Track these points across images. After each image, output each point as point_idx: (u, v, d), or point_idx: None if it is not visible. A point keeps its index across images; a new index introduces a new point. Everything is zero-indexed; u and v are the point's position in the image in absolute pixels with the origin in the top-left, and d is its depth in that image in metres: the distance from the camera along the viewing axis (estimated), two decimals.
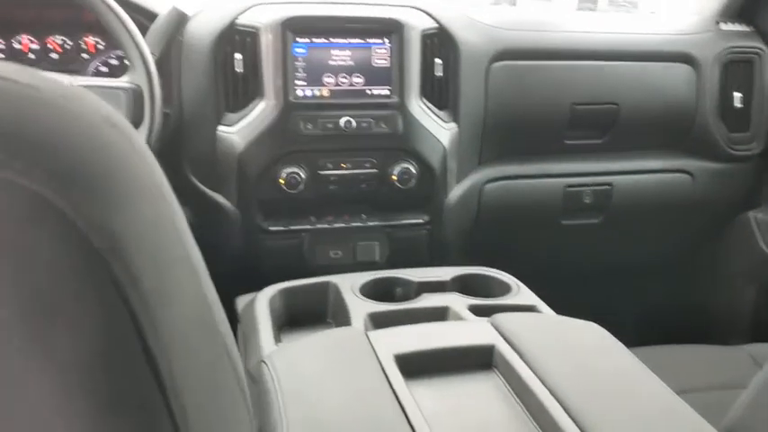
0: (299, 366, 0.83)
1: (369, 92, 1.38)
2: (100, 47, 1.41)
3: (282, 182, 1.35)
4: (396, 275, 1.14)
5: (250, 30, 1.34)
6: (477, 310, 1.02)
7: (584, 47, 1.54)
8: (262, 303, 1.05)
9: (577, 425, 0.72)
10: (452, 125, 1.45)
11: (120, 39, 1.13)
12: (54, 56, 1.39)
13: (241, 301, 1.14)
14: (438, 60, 1.42)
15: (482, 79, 1.47)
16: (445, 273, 1.15)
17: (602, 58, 1.55)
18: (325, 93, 1.37)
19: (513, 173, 1.56)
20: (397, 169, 1.40)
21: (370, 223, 1.45)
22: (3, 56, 1.37)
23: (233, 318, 1.13)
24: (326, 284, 1.11)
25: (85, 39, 1.41)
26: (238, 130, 1.35)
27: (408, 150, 1.41)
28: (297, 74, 1.35)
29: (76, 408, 0.33)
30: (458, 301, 1.05)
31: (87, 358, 0.33)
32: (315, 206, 1.42)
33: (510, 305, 1.05)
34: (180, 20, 1.24)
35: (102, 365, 0.34)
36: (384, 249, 1.45)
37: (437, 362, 0.87)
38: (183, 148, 1.37)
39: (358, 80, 1.38)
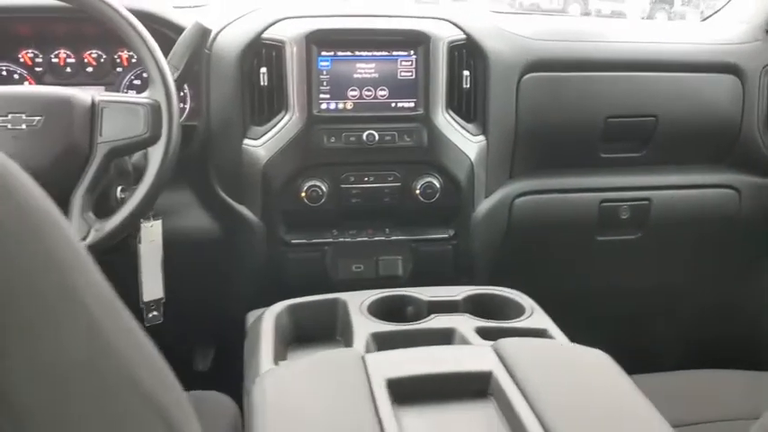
0: (287, 389, 0.83)
1: (393, 104, 1.37)
2: (133, 61, 1.45)
3: (304, 195, 1.36)
4: (406, 294, 1.12)
5: (275, 43, 1.34)
6: (485, 333, 1.00)
7: (620, 57, 1.49)
8: (267, 321, 1.05)
9: None
10: (481, 138, 1.42)
11: (141, 55, 1.15)
12: (89, 69, 1.43)
13: (251, 317, 1.15)
14: (466, 72, 1.39)
15: (513, 91, 1.44)
16: (458, 292, 1.13)
17: (640, 68, 1.49)
18: (349, 106, 1.36)
19: (546, 187, 1.52)
20: (420, 183, 1.38)
21: (394, 237, 1.43)
22: (42, 69, 1.41)
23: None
24: (336, 301, 1.11)
25: (120, 53, 1.44)
26: (263, 143, 1.36)
27: (433, 164, 1.39)
28: (321, 87, 1.35)
29: None
30: (466, 323, 1.03)
31: None
32: (337, 219, 1.42)
33: (519, 328, 1.02)
34: (203, 35, 1.26)
35: None
36: (407, 264, 1.44)
37: (431, 388, 0.85)
38: (210, 160, 1.39)
39: (383, 93, 1.37)
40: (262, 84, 1.35)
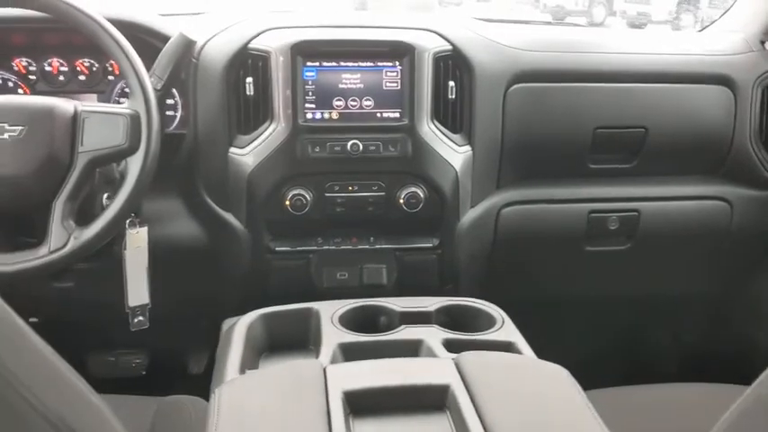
0: (244, 399, 0.84)
1: (379, 115, 1.38)
2: None
3: (288, 204, 1.37)
4: (378, 304, 1.12)
5: (261, 54, 1.36)
6: (452, 346, 1.00)
7: (609, 68, 1.49)
8: (239, 329, 1.06)
9: None
10: (466, 148, 1.42)
11: (121, 66, 1.18)
12: (82, 77, 1.45)
13: (226, 324, 1.16)
14: (451, 83, 1.40)
15: (499, 102, 1.44)
16: (431, 303, 1.13)
17: (630, 79, 1.49)
18: (335, 116, 1.37)
19: (534, 197, 1.52)
20: (404, 193, 1.39)
21: (378, 246, 1.44)
22: (35, 77, 1.44)
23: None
24: (309, 311, 1.12)
25: (111, 62, 1.46)
26: (249, 152, 1.37)
27: (417, 174, 1.40)
28: (307, 97, 1.36)
29: None
30: (434, 335, 1.03)
31: None
32: (322, 227, 1.43)
33: (486, 341, 1.03)
34: (187, 45, 1.28)
35: None
36: (392, 273, 1.44)
37: (388, 400, 0.85)
38: (197, 168, 1.40)
39: (368, 103, 1.38)
40: (248, 93, 1.36)
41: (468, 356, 0.92)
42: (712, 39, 1.61)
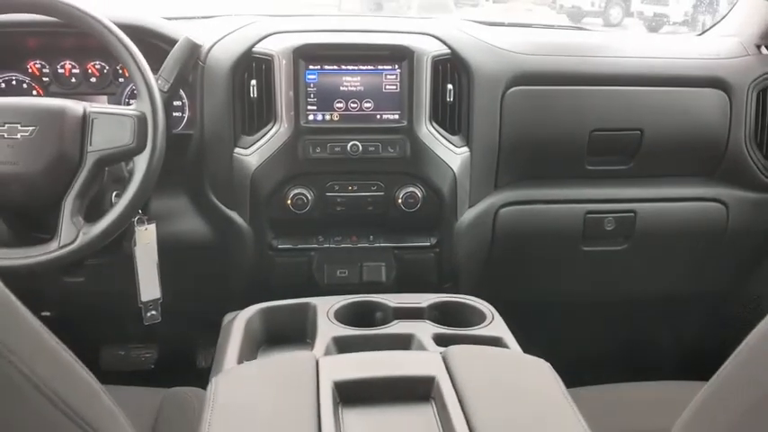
0: (239, 389, 0.88)
1: (378, 116, 1.42)
2: None
3: (290, 203, 1.41)
4: (373, 300, 1.16)
5: (265, 57, 1.40)
6: (441, 340, 1.04)
7: (605, 71, 1.52)
8: (239, 323, 1.10)
9: None
10: (464, 150, 1.46)
11: (128, 69, 1.23)
12: (93, 79, 1.51)
13: (226, 318, 1.20)
14: (450, 86, 1.43)
15: (497, 104, 1.47)
16: (424, 299, 1.17)
17: (626, 82, 1.51)
18: (336, 117, 1.42)
19: (531, 197, 1.55)
20: (402, 192, 1.43)
21: (377, 244, 1.48)
22: (48, 79, 1.50)
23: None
24: (306, 305, 1.16)
25: (122, 64, 1.51)
26: (253, 152, 1.41)
27: (415, 174, 1.43)
28: (308, 99, 1.40)
29: None
30: (425, 330, 1.07)
31: None
32: (323, 226, 1.47)
33: (475, 336, 1.06)
34: (192, 49, 1.33)
35: None
36: (391, 271, 1.48)
37: (376, 391, 0.89)
38: (204, 167, 1.45)
39: (368, 105, 1.42)
40: (252, 95, 1.41)
41: (454, 350, 0.95)
42: (708, 42, 1.64)
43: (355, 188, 1.43)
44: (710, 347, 1.75)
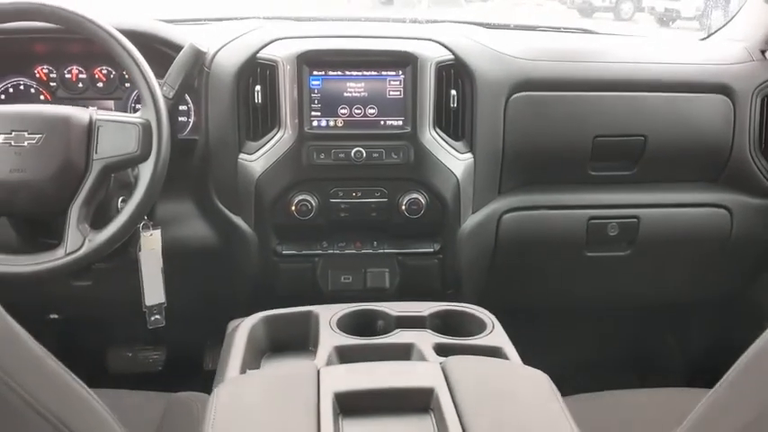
0: (239, 398, 0.89)
1: (382, 122, 1.43)
2: None
3: (294, 209, 1.42)
4: (375, 308, 1.17)
5: (269, 63, 1.41)
6: (441, 350, 1.05)
7: (609, 77, 1.52)
8: (242, 331, 1.12)
9: None
10: (468, 156, 1.46)
11: (133, 76, 1.24)
12: (100, 85, 1.52)
13: (231, 325, 1.22)
14: (453, 92, 1.44)
15: (500, 110, 1.47)
16: (425, 308, 1.17)
17: (629, 88, 1.51)
18: (340, 123, 1.42)
19: (535, 203, 1.56)
20: (406, 199, 1.43)
21: (381, 250, 1.49)
22: (55, 84, 1.51)
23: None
24: (309, 314, 1.17)
25: None
26: (257, 158, 1.42)
27: (419, 180, 1.44)
28: (313, 105, 1.41)
29: None
30: (425, 340, 1.08)
31: None
32: (327, 232, 1.48)
33: (475, 346, 1.07)
34: (197, 56, 1.34)
35: None
36: (394, 277, 1.49)
37: (376, 402, 0.90)
38: (209, 172, 1.46)
39: (372, 111, 1.42)
40: (256, 101, 1.42)
41: (453, 361, 0.96)
42: (713, 48, 1.63)
43: (359, 194, 1.44)
44: (714, 354, 1.75)
